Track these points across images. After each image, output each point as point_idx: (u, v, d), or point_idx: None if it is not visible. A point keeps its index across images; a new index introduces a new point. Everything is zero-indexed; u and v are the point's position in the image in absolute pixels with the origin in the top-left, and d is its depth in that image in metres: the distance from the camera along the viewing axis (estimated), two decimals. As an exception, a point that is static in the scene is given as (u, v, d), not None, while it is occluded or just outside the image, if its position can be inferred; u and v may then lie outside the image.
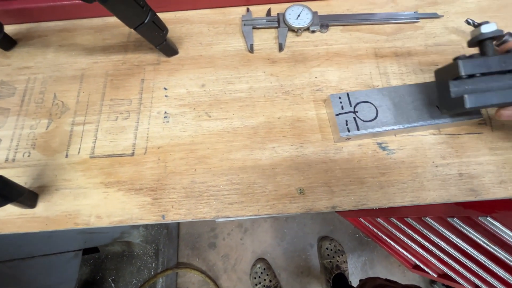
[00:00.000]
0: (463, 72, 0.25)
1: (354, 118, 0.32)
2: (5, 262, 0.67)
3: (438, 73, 0.29)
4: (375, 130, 0.31)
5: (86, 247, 0.92)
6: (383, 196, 0.31)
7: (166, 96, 0.37)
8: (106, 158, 0.34)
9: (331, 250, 1.24)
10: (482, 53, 0.27)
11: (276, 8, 0.41)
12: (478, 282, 0.73)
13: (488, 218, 0.50)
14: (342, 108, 0.33)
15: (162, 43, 0.36)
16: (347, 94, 0.33)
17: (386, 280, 0.71)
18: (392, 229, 0.90)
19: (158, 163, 0.33)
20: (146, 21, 0.31)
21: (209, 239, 1.36)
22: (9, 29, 0.41)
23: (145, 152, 0.34)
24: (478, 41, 0.27)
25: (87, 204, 0.32)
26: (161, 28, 0.34)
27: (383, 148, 0.33)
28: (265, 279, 1.20)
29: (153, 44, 0.35)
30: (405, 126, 0.32)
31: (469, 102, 0.25)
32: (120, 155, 0.34)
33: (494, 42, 0.28)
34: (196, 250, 1.34)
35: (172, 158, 0.33)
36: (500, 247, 0.54)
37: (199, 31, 0.41)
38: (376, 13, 0.40)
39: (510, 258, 0.53)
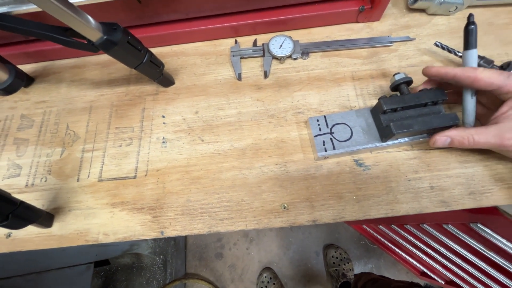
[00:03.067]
0: (385, 108, 0.33)
1: (331, 138, 0.36)
2: (23, 275, 0.72)
3: (373, 111, 0.37)
4: (350, 149, 0.35)
5: (97, 260, 0.96)
6: (359, 209, 0.34)
7: (164, 123, 0.41)
8: (112, 181, 0.38)
9: (337, 258, 1.25)
10: (401, 93, 0.35)
11: (261, 39, 0.46)
12: (481, 288, 0.72)
13: (479, 225, 0.52)
14: (320, 129, 0.36)
15: (160, 77, 0.40)
16: (324, 116, 0.37)
17: (381, 276, 0.72)
18: (394, 236, 0.91)
19: (157, 184, 0.37)
20: (144, 61, 0.36)
21: (215, 250, 1.38)
22: (27, 67, 0.47)
23: (146, 175, 0.38)
24: (395, 86, 0.36)
25: (96, 223, 0.36)
26: (158, 64, 0.38)
27: (360, 165, 0.36)
28: (271, 288, 1.21)
29: (151, 78, 0.40)
30: (377, 144, 0.35)
31: (394, 128, 0.32)
32: (124, 178, 0.38)
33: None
34: (204, 261, 1.37)
35: (169, 179, 0.38)
36: (496, 253, 0.55)
37: (193, 63, 0.45)
38: (353, 39, 0.44)
39: (507, 264, 0.54)
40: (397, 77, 0.35)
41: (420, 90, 0.35)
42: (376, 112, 0.35)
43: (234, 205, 0.35)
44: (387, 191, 0.35)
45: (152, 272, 1.30)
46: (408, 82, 0.35)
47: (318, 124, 0.36)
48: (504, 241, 0.49)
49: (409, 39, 0.43)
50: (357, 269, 1.27)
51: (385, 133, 0.34)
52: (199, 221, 0.35)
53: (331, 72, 0.43)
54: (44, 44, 0.45)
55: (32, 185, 0.39)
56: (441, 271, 0.83)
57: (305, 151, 0.38)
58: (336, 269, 1.21)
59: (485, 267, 0.61)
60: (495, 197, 0.33)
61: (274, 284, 1.21)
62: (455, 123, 0.32)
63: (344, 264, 1.22)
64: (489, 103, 0.34)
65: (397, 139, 0.35)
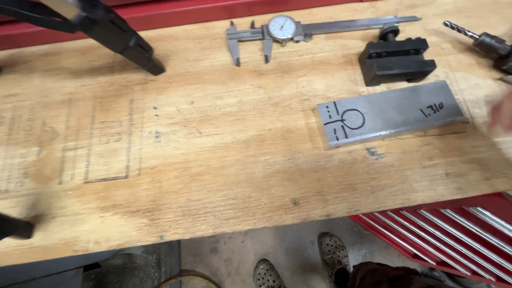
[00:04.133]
0: (371, 51, 0.35)
1: (342, 126, 0.33)
2: (6, 287, 0.67)
3: (361, 58, 0.39)
4: (363, 137, 0.32)
5: (86, 264, 0.91)
6: (374, 200, 0.32)
7: (156, 115, 0.37)
8: (100, 182, 0.34)
9: (332, 245, 1.26)
10: (385, 40, 0.38)
11: (259, 20, 0.42)
12: (474, 268, 0.75)
13: (479, 208, 0.52)
14: (330, 117, 0.33)
15: (149, 64, 0.36)
16: (334, 103, 0.34)
17: (378, 264, 0.73)
18: (388, 221, 0.92)
19: (153, 184, 0.34)
20: (131, 44, 0.31)
21: (210, 244, 1.36)
22: (-9, 56, 0.41)
23: (139, 174, 0.34)
24: (383, 34, 0.38)
25: (85, 230, 0.32)
26: (146, 49, 0.34)
27: (372, 153, 0.34)
28: (268, 280, 1.21)
29: (140, 65, 0.35)
30: (392, 131, 0.33)
31: (377, 69, 0.34)
32: (114, 178, 0.34)
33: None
34: (198, 256, 1.35)
35: (166, 178, 0.34)
36: (493, 234, 0.56)
37: (184, 48, 0.41)
38: (357, 19, 0.41)
39: (502, 244, 0.55)
40: (385, 26, 0.37)
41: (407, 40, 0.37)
42: (363, 58, 0.37)
43: (240, 203, 0.32)
44: (402, 180, 0.33)
45: (146, 272, 1.26)
46: (395, 31, 0.37)
47: (328, 111, 0.34)
48: (503, 223, 0.50)
49: (415, 19, 0.41)
50: (352, 255, 1.29)
51: (369, 77, 0.36)
52: (202, 222, 0.32)
53: (336, 55, 0.40)
54: (10, 27, 0.38)
55: (6, 191, 0.34)
56: (433, 252, 0.85)
57: (314, 141, 0.35)
58: (331, 257, 1.22)
59: (479, 248, 0.62)
60: (511, 182, 0.32)
61: (270, 275, 1.21)
62: (432, 69, 0.35)
63: (339, 251, 1.24)
64: None
65: (379, 83, 0.37)
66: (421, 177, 0.33)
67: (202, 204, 0.33)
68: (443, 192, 0.32)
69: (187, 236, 0.31)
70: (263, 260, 1.28)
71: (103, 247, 0.31)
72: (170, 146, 0.35)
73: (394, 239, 1.04)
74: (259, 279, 1.22)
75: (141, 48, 0.33)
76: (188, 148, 0.35)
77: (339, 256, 1.22)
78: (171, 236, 0.31)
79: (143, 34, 0.41)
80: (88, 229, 0.32)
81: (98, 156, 0.35)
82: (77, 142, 0.36)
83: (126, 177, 0.34)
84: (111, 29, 0.28)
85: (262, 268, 1.24)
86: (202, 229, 0.32)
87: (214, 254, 1.35)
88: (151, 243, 0.31)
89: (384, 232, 1.05)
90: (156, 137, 0.36)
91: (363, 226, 1.30)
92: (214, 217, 0.32)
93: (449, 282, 1.11)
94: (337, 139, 0.32)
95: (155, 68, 0.38)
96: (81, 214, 0.33)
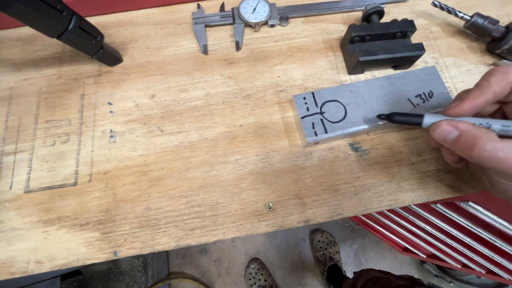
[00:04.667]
0: (353, 34, 0.31)
1: (321, 119, 0.29)
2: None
3: (342, 43, 0.35)
4: (345, 131, 0.28)
5: (64, 273, 0.86)
6: (358, 202, 0.28)
7: (111, 112, 0.32)
8: (44, 191, 0.29)
9: (323, 242, 1.24)
10: (369, 22, 0.34)
11: (230, 2, 0.37)
12: (464, 260, 0.74)
13: (470, 203, 0.50)
14: (308, 109, 0.29)
15: (99, 52, 0.31)
16: (312, 93, 0.30)
17: (380, 271, 0.70)
18: (379, 216, 0.90)
19: (106, 191, 0.29)
20: (70, 27, 0.26)
21: (199, 245, 1.32)
22: None
23: (89, 180, 0.29)
24: (367, 15, 0.34)
25: (24, 249, 0.27)
26: (93, 34, 0.29)
27: (356, 150, 0.30)
28: (260, 279, 1.18)
29: (86, 53, 0.30)
30: (376, 124, 0.29)
31: (360, 54, 0.30)
32: (61, 186, 0.29)
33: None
34: (187, 258, 1.31)
35: (121, 184, 0.29)
36: (483, 229, 0.54)
37: (145, 34, 0.36)
38: (338, 0, 0.37)
39: (493, 238, 0.54)
40: (369, 6, 0.34)
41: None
42: (345, 43, 0.34)
43: (207, 210, 0.28)
44: (389, 178, 0.29)
45: (132, 276, 1.21)
46: (380, 12, 0.34)
47: (306, 103, 0.30)
48: (494, 217, 0.48)
49: (402, 0, 0.37)
50: (343, 251, 1.28)
51: (352, 64, 0.33)
52: (163, 234, 0.28)
53: (315, 41, 0.36)
54: None
55: None
56: (424, 246, 0.84)
57: (291, 137, 0.31)
58: (323, 253, 1.20)
59: (469, 242, 0.61)
60: (508, 177, 0.29)
61: (262, 274, 1.18)
62: (421, 53, 0.31)
63: (331, 248, 1.22)
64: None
65: (363, 71, 0.34)
66: (410, 174, 0.29)
67: (163, 213, 0.28)
68: (434, 191, 0.29)
69: (145, 251, 0.27)
70: (254, 259, 1.25)
71: (46, 267, 0.27)
72: (127, 147, 0.31)
73: (385, 234, 1.03)
74: (250, 279, 1.19)
75: (86, 33, 0.28)
76: (148, 149, 0.31)
77: (330, 253, 1.20)
78: (126, 251, 0.27)
79: (97, 19, 0.36)
80: (28, 247, 0.27)
81: (42, 160, 0.30)
82: (17, 145, 0.31)
83: (74, 184, 0.29)
84: (38, 7, 0.23)
85: (253, 268, 1.22)
86: (163, 242, 0.27)
87: (203, 254, 1.31)
88: (103, 260, 0.27)
89: (375, 227, 1.04)
90: (111, 136, 0.31)
91: (354, 221, 1.28)
92: (177, 228, 0.28)
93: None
94: (316, 135, 0.28)
95: (109, 57, 0.33)
96: (20, 230, 0.28)
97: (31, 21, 0.24)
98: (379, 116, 0.27)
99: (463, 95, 0.22)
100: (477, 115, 0.23)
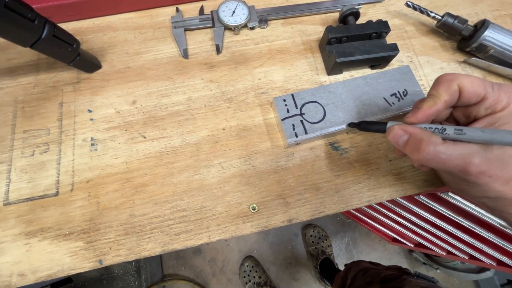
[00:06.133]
0: (330, 36, 0.32)
1: (301, 121, 0.30)
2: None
3: (321, 44, 0.36)
4: (324, 132, 0.29)
5: (53, 282, 0.84)
6: (340, 200, 0.29)
7: (91, 119, 0.32)
8: (24, 202, 0.29)
9: (315, 236, 1.26)
10: (345, 23, 0.35)
11: (209, 5, 0.37)
12: (448, 248, 0.77)
13: (449, 193, 0.52)
14: (288, 111, 0.30)
15: (76, 59, 0.30)
16: (292, 95, 0.31)
17: (370, 262, 0.72)
18: (367, 209, 0.93)
19: (89, 200, 0.29)
20: (43, 36, 0.26)
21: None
22: None
23: (72, 189, 0.29)
24: (343, 17, 0.35)
25: (6, 262, 0.27)
26: (68, 41, 0.29)
27: (336, 149, 0.31)
28: (254, 276, 1.20)
29: (63, 61, 0.30)
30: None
31: (337, 55, 0.31)
32: (42, 197, 0.29)
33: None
34: (181, 259, 1.30)
35: (105, 192, 0.29)
36: (464, 217, 0.57)
37: (124, 39, 0.36)
38: (317, 1, 0.38)
39: (473, 226, 0.56)
40: (345, 8, 0.35)
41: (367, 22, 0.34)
42: (323, 44, 0.35)
43: (192, 214, 0.29)
44: (368, 175, 0.30)
45: (125, 281, 1.20)
46: (355, 13, 0.35)
47: (286, 105, 0.30)
48: (473, 206, 0.50)
49: (377, 1, 0.38)
50: (335, 244, 1.30)
51: (330, 66, 0.34)
52: (148, 240, 0.28)
53: (295, 43, 0.36)
54: None
55: None
56: (411, 236, 0.87)
57: (273, 139, 0.32)
58: (315, 248, 1.22)
59: (452, 230, 0.64)
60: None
61: (256, 271, 1.19)
62: (395, 53, 0.32)
63: (323, 242, 1.24)
64: (460, 116, 0.26)
65: (341, 71, 0.35)
66: (388, 171, 0.31)
67: (148, 219, 0.28)
68: (411, 186, 0.30)
69: (131, 258, 0.27)
70: (248, 257, 1.26)
71: (30, 279, 0.26)
72: (109, 155, 0.30)
73: (375, 226, 1.06)
74: (245, 277, 1.21)
75: (60, 41, 0.28)
76: (130, 156, 0.30)
77: (322, 247, 1.23)
78: (112, 259, 0.27)
79: (74, 24, 0.36)
80: (10, 260, 0.27)
81: (20, 171, 0.30)
82: (-6, 157, 0.30)
83: (56, 194, 0.29)
84: (9, 17, 0.23)
85: (247, 266, 1.23)
86: (149, 248, 0.28)
87: (197, 255, 1.31)
88: (89, 269, 0.27)
89: (365, 219, 1.06)
90: (92, 144, 0.31)
91: (345, 214, 1.31)
92: (162, 233, 0.28)
93: (441, 285, 1.15)
94: (296, 136, 0.29)
95: (87, 64, 0.32)
96: (1, 243, 0.27)
97: (1, 31, 0.23)
98: (349, 125, 0.28)
99: (419, 104, 0.24)
100: (434, 120, 0.24)
